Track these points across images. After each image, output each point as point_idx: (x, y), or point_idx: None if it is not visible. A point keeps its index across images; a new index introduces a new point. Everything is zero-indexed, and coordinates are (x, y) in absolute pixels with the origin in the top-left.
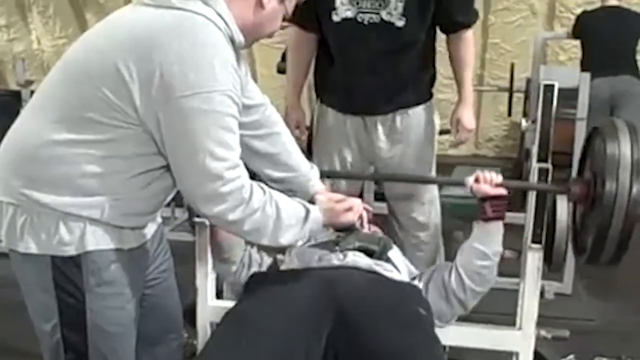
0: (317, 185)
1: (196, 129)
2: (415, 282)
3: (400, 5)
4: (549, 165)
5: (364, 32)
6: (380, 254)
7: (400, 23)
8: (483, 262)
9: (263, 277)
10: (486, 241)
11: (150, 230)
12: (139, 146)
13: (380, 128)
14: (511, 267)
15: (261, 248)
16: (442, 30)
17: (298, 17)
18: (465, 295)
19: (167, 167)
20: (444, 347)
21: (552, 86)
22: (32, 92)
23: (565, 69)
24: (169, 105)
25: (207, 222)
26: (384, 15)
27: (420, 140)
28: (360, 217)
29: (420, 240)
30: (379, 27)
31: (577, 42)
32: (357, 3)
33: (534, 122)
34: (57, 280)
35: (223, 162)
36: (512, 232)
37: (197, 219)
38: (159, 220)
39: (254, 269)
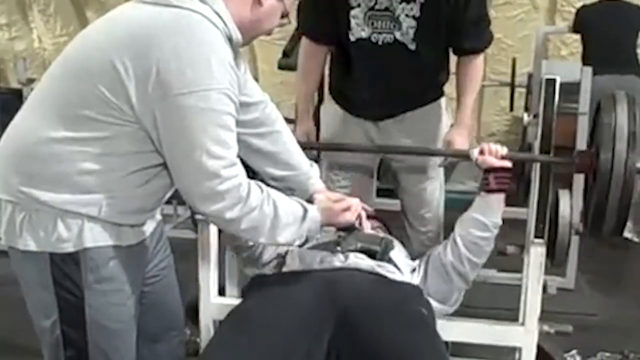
0: (316, 183)
1: (193, 127)
2: (415, 275)
3: (412, 31)
4: None
5: (378, 52)
6: (382, 255)
7: (411, 46)
8: (482, 232)
9: (265, 279)
10: (487, 212)
11: (149, 227)
12: (136, 144)
13: (392, 127)
14: (514, 262)
15: None
16: (453, 52)
17: (311, 30)
18: (464, 266)
19: (165, 165)
20: (447, 343)
21: (554, 80)
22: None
23: (567, 64)
24: (165, 103)
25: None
26: (398, 35)
27: (429, 133)
28: (359, 217)
29: (424, 236)
30: (393, 47)
31: (579, 37)
32: (372, 23)
33: (535, 116)
34: (56, 277)
35: (220, 160)
36: (515, 227)
37: (199, 217)
38: (159, 217)
39: (270, 247)
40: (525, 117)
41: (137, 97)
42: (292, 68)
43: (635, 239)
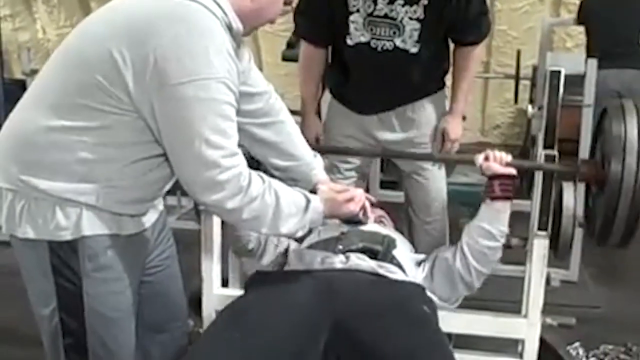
0: (320, 174)
1: (192, 117)
2: (419, 271)
3: (416, 33)
4: (555, 152)
5: (378, 58)
6: (384, 255)
7: (414, 50)
8: (489, 242)
9: (265, 277)
10: (493, 221)
11: (151, 217)
12: (134, 134)
13: (394, 120)
14: (517, 254)
15: None
16: (452, 42)
17: (309, 34)
18: (471, 276)
19: (165, 156)
20: (450, 335)
21: (559, 72)
22: None
23: (572, 56)
24: (163, 92)
25: None
26: (398, 42)
27: (430, 124)
28: (363, 208)
29: (429, 225)
30: (393, 54)
31: (584, 29)
32: (372, 29)
33: (540, 108)
34: (54, 265)
35: (220, 150)
36: (519, 220)
37: (202, 208)
38: (161, 207)
39: (271, 248)
40: (530, 110)
41: (135, 86)
42: (296, 59)
43: None
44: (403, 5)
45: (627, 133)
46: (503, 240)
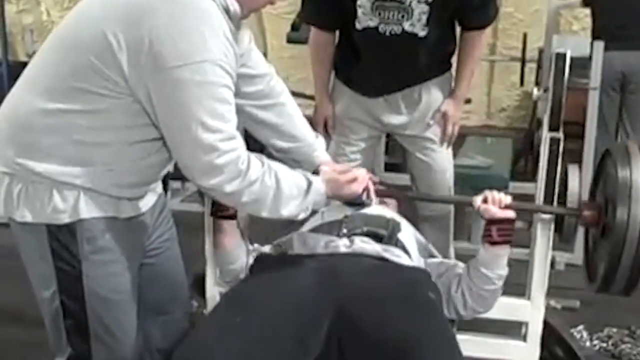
0: (322, 155)
1: (188, 100)
2: (427, 262)
3: (425, 16)
4: (560, 135)
5: (386, 42)
6: (389, 238)
7: (422, 33)
8: (487, 286)
9: (268, 261)
10: (491, 265)
11: (149, 200)
12: (130, 117)
13: (401, 102)
14: (522, 237)
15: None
16: (459, 26)
17: (318, 19)
18: (466, 312)
19: (162, 140)
20: (452, 319)
21: (564, 55)
22: None
23: (579, 38)
24: (159, 75)
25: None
26: (407, 26)
27: (437, 106)
28: (366, 189)
29: (435, 209)
30: (401, 38)
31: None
32: (380, 14)
33: (545, 91)
34: (54, 248)
35: (217, 134)
36: (524, 202)
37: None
38: (160, 190)
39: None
40: (535, 92)
41: (130, 69)
42: (301, 42)
43: None
44: None
45: (632, 179)
46: (501, 283)
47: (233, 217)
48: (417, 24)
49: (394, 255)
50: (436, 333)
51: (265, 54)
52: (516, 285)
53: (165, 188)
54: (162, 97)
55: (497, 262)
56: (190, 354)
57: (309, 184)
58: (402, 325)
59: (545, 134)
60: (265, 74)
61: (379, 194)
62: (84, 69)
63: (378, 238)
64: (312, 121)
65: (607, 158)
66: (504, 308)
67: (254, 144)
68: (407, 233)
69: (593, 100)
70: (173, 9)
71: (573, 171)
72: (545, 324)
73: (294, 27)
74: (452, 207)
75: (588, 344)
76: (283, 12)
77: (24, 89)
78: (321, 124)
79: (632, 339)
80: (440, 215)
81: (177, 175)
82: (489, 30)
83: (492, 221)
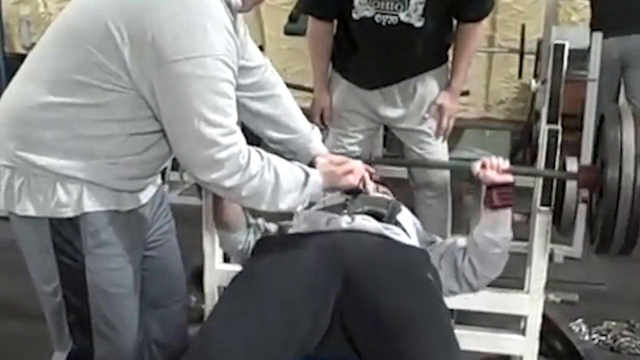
0: (318, 147)
1: (190, 94)
2: (427, 249)
3: (421, 7)
4: (558, 127)
5: (381, 32)
6: (389, 217)
7: (419, 24)
8: (494, 249)
9: (271, 242)
10: (494, 229)
11: (149, 192)
12: (133, 110)
13: (397, 95)
14: (520, 230)
15: (268, 219)
16: (455, 18)
17: (315, 9)
18: (477, 280)
19: (162, 133)
20: (452, 310)
21: (563, 46)
22: None
23: (577, 30)
24: (161, 69)
25: None
26: (403, 17)
27: (433, 98)
28: (362, 180)
29: (432, 200)
30: (398, 28)
31: (588, 2)
32: (376, 4)
33: (544, 82)
34: (56, 242)
35: (218, 128)
36: (522, 195)
37: None
38: (159, 182)
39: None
40: (534, 84)
41: (132, 63)
42: (298, 33)
43: None
44: None
45: (623, 140)
46: (508, 245)
47: None
48: (413, 14)
49: (394, 233)
50: (432, 315)
51: (262, 46)
52: (515, 279)
53: (162, 178)
54: (164, 90)
55: (501, 226)
56: (209, 343)
57: (307, 176)
58: (400, 304)
59: (544, 126)
60: (260, 65)
61: (375, 183)
62: (86, 62)
63: (378, 217)
64: (309, 112)
65: (603, 122)
66: (503, 302)
67: (250, 138)
68: (406, 216)
69: (592, 92)
70: (175, 3)
71: (571, 164)
72: (544, 317)
73: (292, 19)
74: (449, 198)
75: (587, 337)
76: (281, 3)
77: (24, 82)
78: (318, 115)
79: (631, 333)
80: (439, 204)
81: (176, 166)
82: (485, 22)
83: (491, 186)
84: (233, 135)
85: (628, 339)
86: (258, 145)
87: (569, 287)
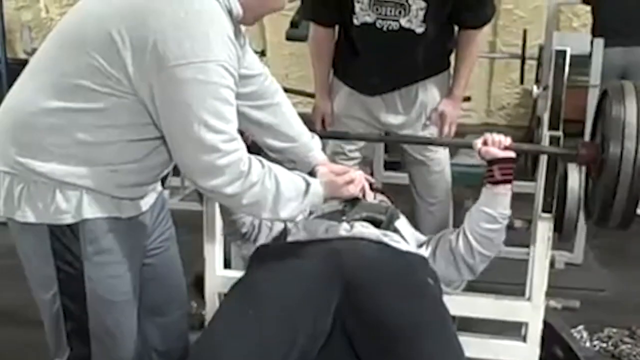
0: (318, 155)
1: (191, 100)
2: (423, 250)
3: (422, 13)
4: (560, 133)
5: (383, 38)
6: (387, 224)
7: (420, 30)
8: (491, 225)
9: (270, 250)
10: (494, 204)
11: (150, 199)
12: (133, 116)
13: (398, 102)
14: (521, 236)
15: None
16: (456, 25)
17: (317, 15)
18: (474, 259)
19: (162, 139)
20: (453, 317)
21: (564, 52)
22: None
23: (579, 35)
24: (162, 74)
25: None
26: (404, 22)
27: (434, 105)
28: (362, 190)
29: (433, 207)
30: (398, 34)
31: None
32: (377, 9)
33: (545, 89)
34: (55, 249)
35: (219, 135)
36: (523, 201)
37: None
38: (159, 189)
39: (264, 232)
40: (535, 90)
41: (134, 68)
42: (300, 39)
43: None
44: None
45: (626, 116)
46: (506, 223)
47: None
48: (414, 20)
49: (393, 240)
50: (435, 319)
51: (264, 52)
52: (516, 286)
53: (163, 183)
54: (165, 96)
55: (500, 202)
56: (208, 351)
57: (308, 185)
58: (401, 309)
59: (545, 132)
60: (260, 74)
61: (374, 191)
62: (87, 66)
63: (376, 224)
64: (310, 118)
65: (605, 98)
66: (504, 308)
67: (251, 146)
68: (405, 223)
69: (593, 98)
70: (178, 10)
71: (572, 170)
72: (545, 324)
73: (294, 24)
74: (450, 205)
75: (588, 344)
76: None
77: (26, 87)
78: (319, 121)
79: (632, 339)
80: (440, 211)
81: (177, 171)
82: (487, 29)
83: (493, 161)
84: (234, 141)
85: (629, 345)
86: (258, 154)
87: (570, 293)
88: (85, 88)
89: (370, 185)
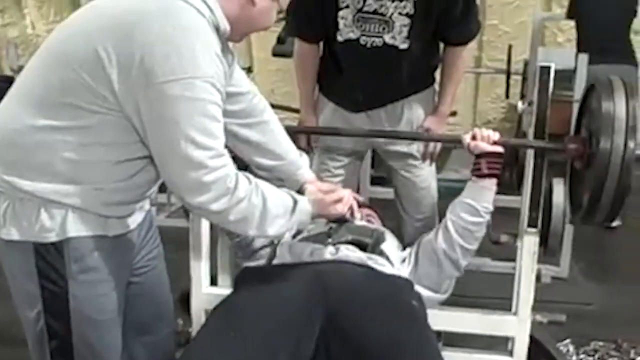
0: (306, 174)
1: (178, 116)
2: (405, 264)
3: (405, 29)
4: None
5: (366, 54)
6: (373, 247)
7: (404, 46)
8: (473, 218)
9: (255, 272)
10: (478, 197)
11: (137, 217)
12: (119, 134)
13: (383, 117)
14: (507, 251)
15: None
16: (441, 41)
17: (301, 31)
18: (455, 253)
19: (150, 159)
20: (439, 332)
21: (549, 68)
22: None
23: (563, 51)
24: (149, 90)
25: None
26: (387, 39)
27: (419, 122)
28: (350, 208)
29: (419, 222)
30: (382, 50)
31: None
32: (361, 26)
33: (530, 104)
34: (39, 267)
35: (206, 151)
36: (509, 216)
37: None
38: (147, 207)
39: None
40: (520, 105)
41: (120, 85)
42: (286, 55)
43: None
44: (393, 1)
45: (615, 110)
46: (488, 217)
47: None
48: (397, 36)
49: (378, 263)
50: (420, 341)
51: (251, 67)
52: (502, 300)
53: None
54: (151, 112)
55: (484, 195)
56: None
57: (295, 203)
58: (386, 333)
59: None
60: (248, 91)
61: (362, 209)
62: (73, 84)
63: (362, 247)
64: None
65: (592, 92)
66: (490, 323)
67: (238, 163)
68: (391, 244)
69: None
70: (165, 25)
71: (558, 184)
72: (532, 338)
73: (280, 40)
74: (437, 220)
75: (575, 358)
76: None
77: (12, 104)
78: (304, 138)
79: (618, 353)
80: (426, 227)
81: (163, 188)
82: (472, 45)
83: (481, 155)
84: (221, 158)
85: (615, 359)
86: (245, 169)
87: (557, 307)
88: (71, 105)
89: (359, 203)
